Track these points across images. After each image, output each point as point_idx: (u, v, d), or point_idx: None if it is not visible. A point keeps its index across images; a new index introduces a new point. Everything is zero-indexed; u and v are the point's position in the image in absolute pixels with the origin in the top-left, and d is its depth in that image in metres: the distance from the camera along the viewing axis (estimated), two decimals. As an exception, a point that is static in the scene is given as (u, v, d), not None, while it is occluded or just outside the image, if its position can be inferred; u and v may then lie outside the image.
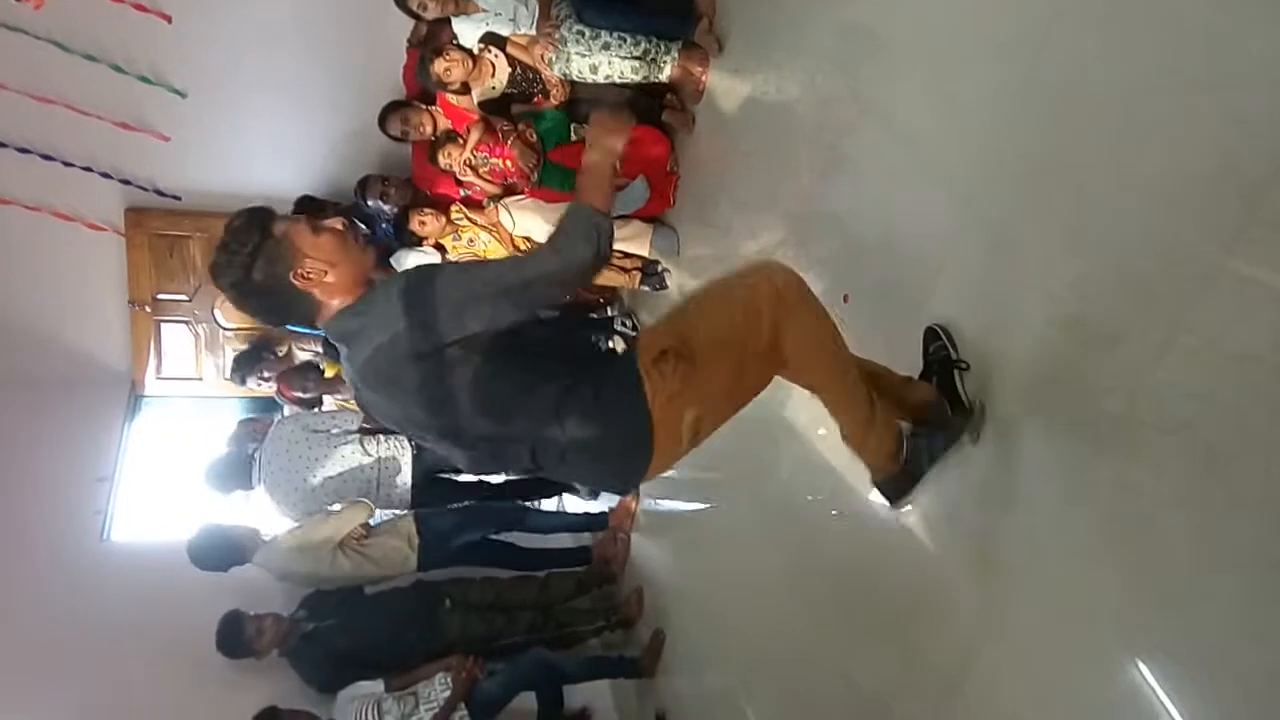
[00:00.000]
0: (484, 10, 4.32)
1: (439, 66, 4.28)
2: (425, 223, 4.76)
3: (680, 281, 4.73)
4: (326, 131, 5.37)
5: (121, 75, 4.89)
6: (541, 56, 4.30)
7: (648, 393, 2.02)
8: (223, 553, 4.27)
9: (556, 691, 4.18)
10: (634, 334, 4.98)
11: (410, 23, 4.66)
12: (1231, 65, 1.68)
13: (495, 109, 4.68)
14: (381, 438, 4.68)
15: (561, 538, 5.11)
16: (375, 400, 2.11)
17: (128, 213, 5.35)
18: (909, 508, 2.25)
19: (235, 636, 4.07)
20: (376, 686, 3.94)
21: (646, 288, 4.88)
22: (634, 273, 4.84)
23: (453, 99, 4.60)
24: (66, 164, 5.06)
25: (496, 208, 4.77)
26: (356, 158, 5.32)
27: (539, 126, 4.60)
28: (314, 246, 2.02)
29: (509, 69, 4.49)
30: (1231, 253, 1.64)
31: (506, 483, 5.17)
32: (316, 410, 5.08)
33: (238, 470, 4.65)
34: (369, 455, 4.63)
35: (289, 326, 2.71)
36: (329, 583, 4.36)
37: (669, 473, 2.22)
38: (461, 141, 4.59)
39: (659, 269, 4.85)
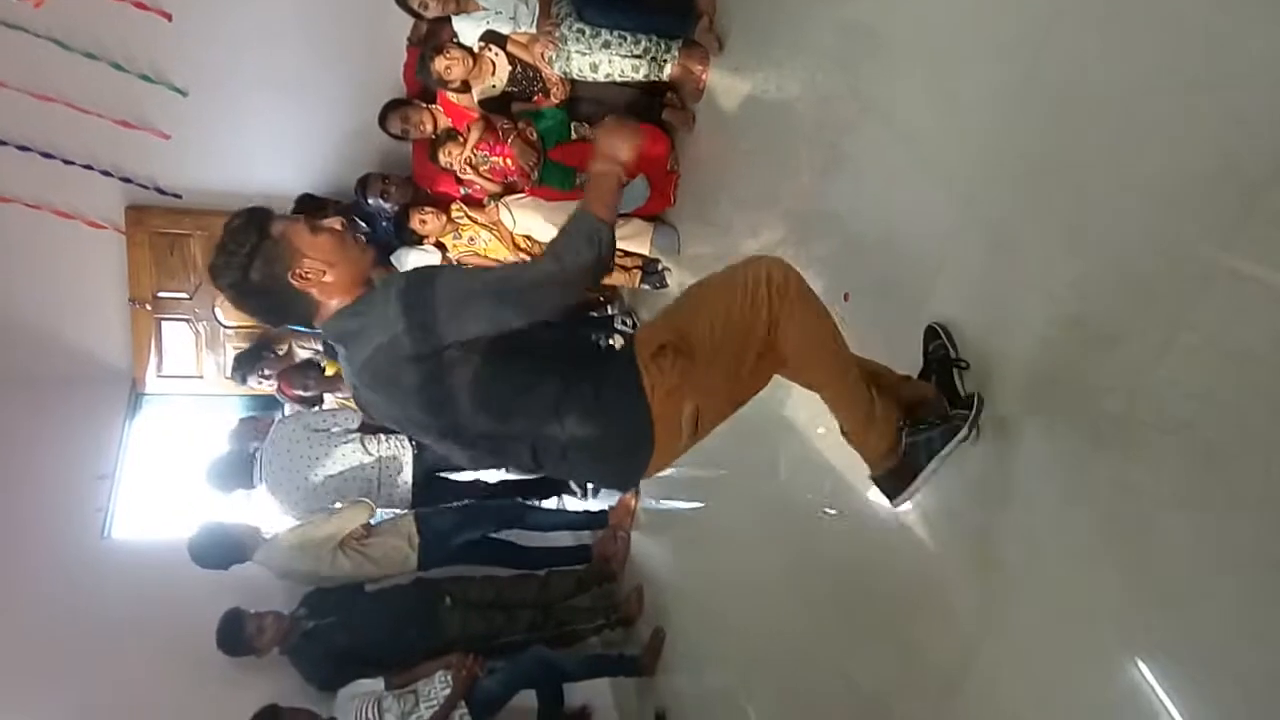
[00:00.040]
0: (484, 8, 4.32)
1: (439, 64, 4.28)
2: (426, 221, 4.75)
3: (681, 280, 4.72)
4: (327, 130, 5.37)
5: (122, 73, 4.89)
6: (542, 55, 4.29)
7: (647, 387, 2.02)
8: (223, 551, 4.27)
9: (556, 690, 4.18)
10: (633, 332, 4.98)
11: (410, 21, 4.66)
12: (1231, 65, 1.68)
13: (495, 107, 4.67)
14: (383, 436, 4.68)
15: (561, 536, 5.11)
16: (374, 400, 2.11)
17: (128, 211, 5.36)
18: (908, 505, 2.25)
19: (236, 634, 4.07)
20: (377, 684, 3.94)
21: (647, 286, 4.88)
22: (634, 271, 4.84)
23: (453, 97, 4.60)
24: (67, 162, 5.06)
25: (497, 206, 4.77)
26: (357, 156, 5.31)
27: (539, 125, 4.60)
28: (312, 246, 2.02)
29: (509, 67, 4.49)
30: (1231, 252, 1.65)
31: (508, 482, 5.18)
32: (317, 409, 5.08)
33: (239, 469, 4.66)
34: (370, 454, 4.63)
35: (288, 326, 2.71)
36: (329, 581, 4.36)
37: (669, 471, 2.22)
38: (462, 140, 4.59)
39: (659, 267, 4.85)
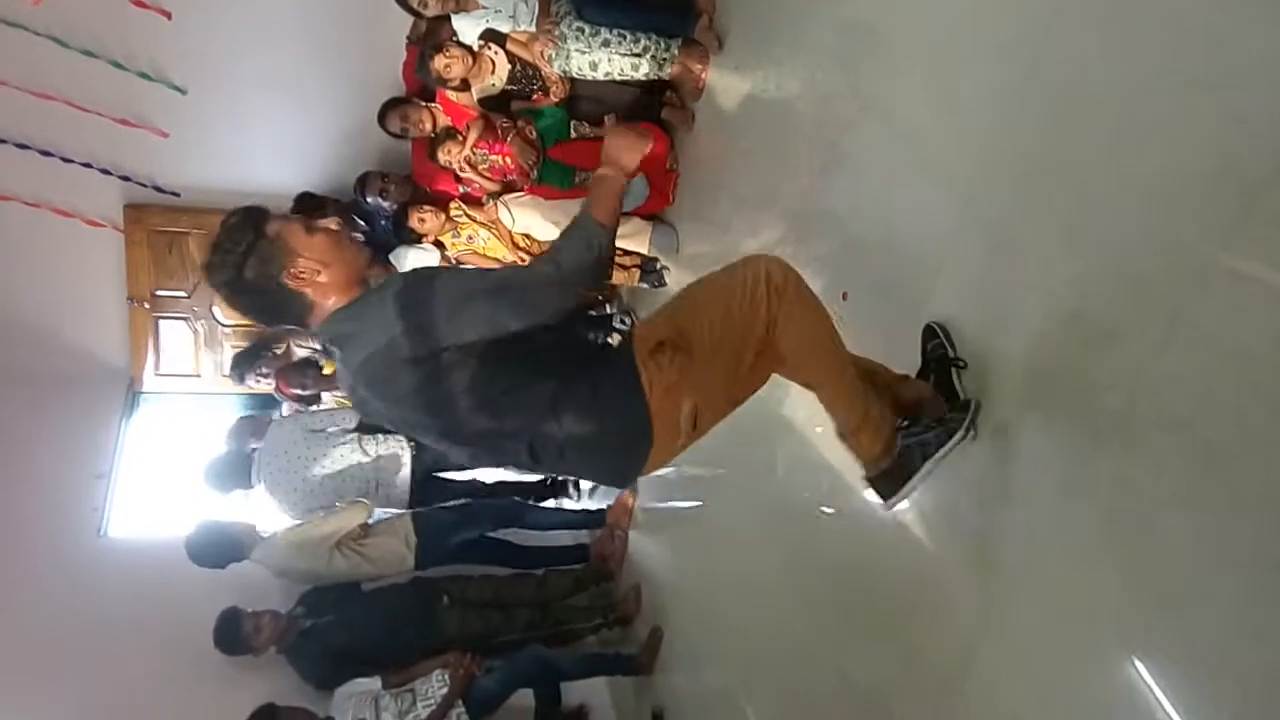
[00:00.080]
0: (484, 7, 4.32)
1: (439, 63, 4.27)
2: (425, 220, 4.75)
3: (679, 279, 4.72)
4: (326, 128, 5.37)
5: (121, 71, 4.88)
6: (541, 53, 4.29)
7: (645, 384, 2.02)
8: (221, 549, 4.27)
9: (554, 689, 4.18)
10: (631, 330, 4.98)
11: (410, 19, 4.65)
12: (1231, 65, 1.68)
13: (495, 106, 4.67)
14: (380, 436, 4.68)
15: (559, 535, 5.11)
16: (371, 401, 2.10)
17: (127, 209, 5.35)
18: (904, 505, 2.24)
19: (233, 633, 4.07)
20: (374, 683, 3.94)
21: (645, 285, 4.89)
22: (633, 270, 4.84)
23: (452, 96, 4.60)
24: (65, 160, 5.05)
25: (496, 205, 4.77)
26: (356, 155, 5.31)
27: (538, 124, 4.60)
28: (307, 246, 2.01)
29: (509, 66, 4.48)
30: (1231, 252, 1.64)
31: (507, 484, 5.17)
32: (315, 409, 5.08)
33: (237, 470, 4.65)
34: (367, 455, 4.63)
35: (283, 327, 2.70)
36: (326, 580, 4.36)
37: (667, 470, 2.22)
38: (461, 138, 4.59)
39: (658, 266, 4.85)
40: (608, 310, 5.32)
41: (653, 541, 4.68)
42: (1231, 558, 1.60)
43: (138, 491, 5.48)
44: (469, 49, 4.36)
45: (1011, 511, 2.13)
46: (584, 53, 4.20)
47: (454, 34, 4.40)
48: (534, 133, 4.59)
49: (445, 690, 3.84)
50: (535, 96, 4.61)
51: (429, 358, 1.94)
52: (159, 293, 5.62)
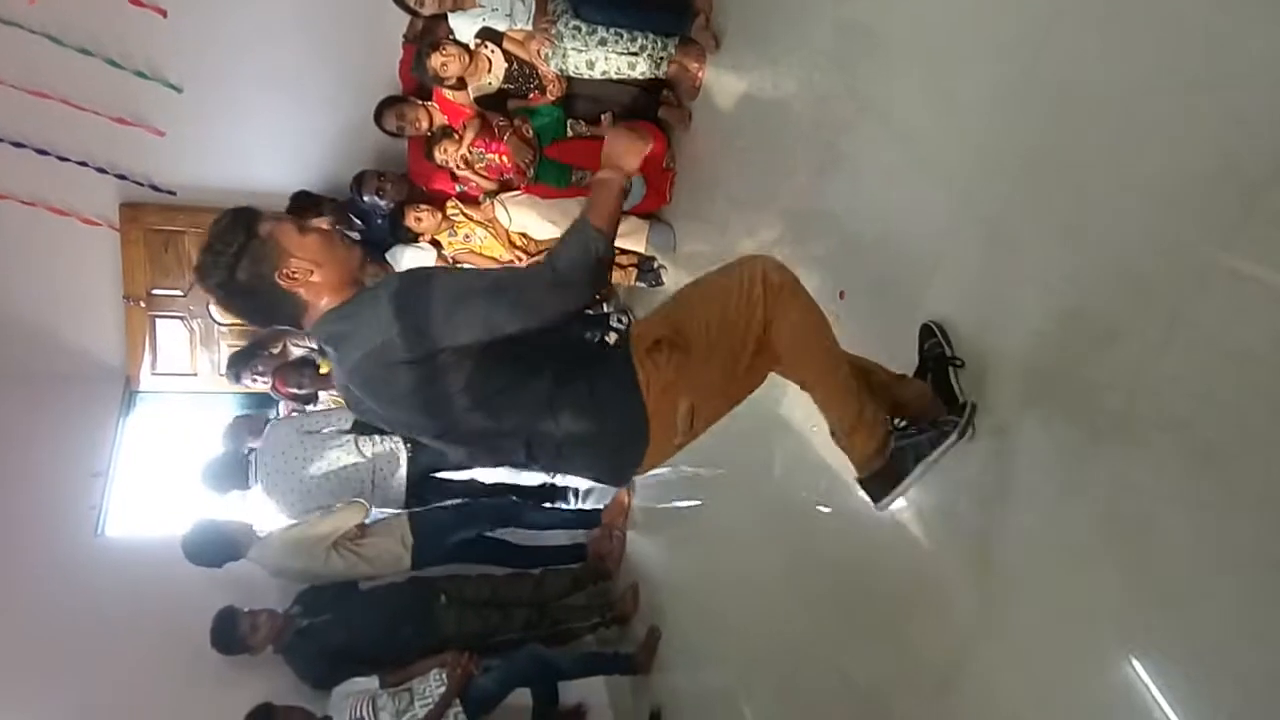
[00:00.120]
0: (481, 5, 4.31)
1: (435, 62, 4.27)
2: (421, 219, 4.74)
3: (676, 278, 4.72)
4: (322, 127, 5.35)
5: (117, 70, 4.86)
6: (538, 52, 4.28)
7: (642, 383, 2.03)
8: (217, 548, 4.26)
9: (551, 688, 4.17)
10: (628, 329, 4.98)
11: (407, 18, 4.64)
12: (1231, 65, 1.68)
13: (491, 105, 4.67)
14: (376, 437, 4.67)
15: (556, 534, 5.11)
16: (366, 402, 2.10)
17: (123, 208, 5.33)
18: (902, 505, 2.25)
19: (230, 633, 4.06)
20: (371, 683, 3.93)
21: (642, 284, 4.88)
22: (630, 269, 4.84)
23: (449, 94, 4.59)
24: (61, 159, 5.03)
25: (492, 204, 4.76)
26: (352, 153, 5.29)
27: (535, 122, 4.59)
28: (300, 246, 2.00)
29: (505, 64, 4.47)
30: (1231, 252, 1.65)
31: (505, 485, 5.17)
32: (311, 409, 5.07)
33: (234, 471, 4.64)
34: (364, 455, 4.62)
35: (277, 327, 2.69)
36: (323, 579, 4.35)
37: (664, 470, 2.22)
38: (458, 137, 4.58)
39: (655, 265, 4.85)
40: (605, 309, 5.32)
41: (650, 541, 4.68)
42: (1231, 558, 1.60)
43: (134, 490, 5.47)
44: (466, 47, 4.35)
45: (1011, 511, 2.13)
46: (581, 51, 4.20)
47: (451, 32, 4.40)
48: (531, 131, 4.58)
49: (443, 689, 3.83)
50: (532, 95, 4.60)
51: (425, 359, 1.93)
52: (155, 292, 5.60)
